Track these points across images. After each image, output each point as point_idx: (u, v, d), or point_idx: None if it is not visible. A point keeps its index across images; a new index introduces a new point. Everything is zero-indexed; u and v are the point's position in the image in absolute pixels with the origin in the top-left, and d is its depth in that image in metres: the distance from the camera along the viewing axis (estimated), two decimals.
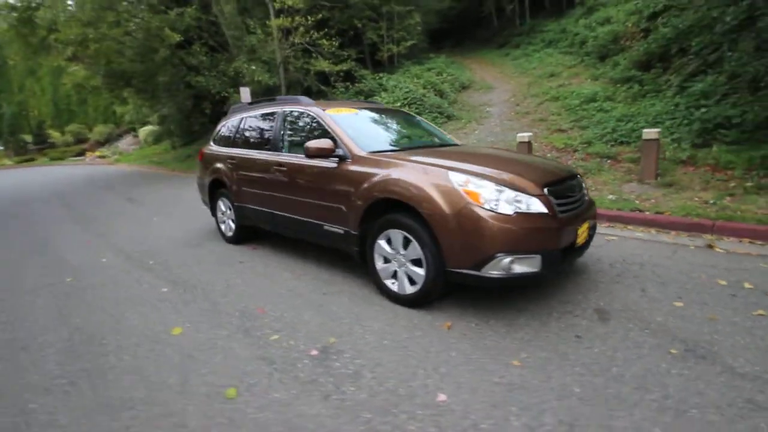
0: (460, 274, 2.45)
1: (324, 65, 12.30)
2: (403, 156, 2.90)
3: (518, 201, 2.39)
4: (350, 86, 12.87)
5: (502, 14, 19.62)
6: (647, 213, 4.39)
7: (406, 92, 11.54)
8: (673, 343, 2.20)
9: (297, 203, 3.51)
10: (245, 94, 10.84)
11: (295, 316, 2.75)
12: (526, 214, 2.38)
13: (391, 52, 15.37)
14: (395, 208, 2.74)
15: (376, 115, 3.82)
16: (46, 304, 3.21)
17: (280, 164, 3.63)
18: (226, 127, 4.70)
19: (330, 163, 3.16)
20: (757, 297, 2.66)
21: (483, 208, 2.35)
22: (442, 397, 1.88)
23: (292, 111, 3.76)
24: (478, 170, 2.55)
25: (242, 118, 4.42)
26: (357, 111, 3.70)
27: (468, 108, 11.54)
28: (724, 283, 2.89)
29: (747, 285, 2.83)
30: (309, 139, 3.51)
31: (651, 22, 9.68)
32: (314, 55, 12.51)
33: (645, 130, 5.51)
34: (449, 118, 10.89)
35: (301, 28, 11.58)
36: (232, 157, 4.32)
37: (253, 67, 11.19)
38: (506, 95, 11.98)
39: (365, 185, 2.87)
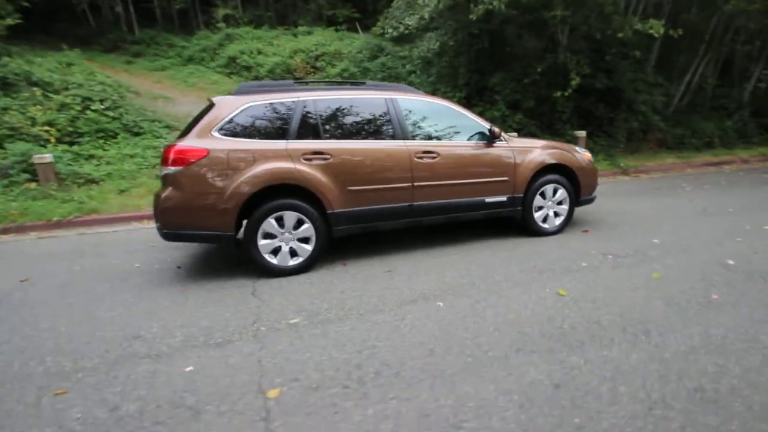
0: (585, 200, 4.35)
1: None
2: (520, 138, 4.22)
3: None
4: None
5: (98, 13, 16.68)
6: None
7: (89, 90, 8.65)
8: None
9: (452, 186, 3.70)
10: None
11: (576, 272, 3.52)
12: None
13: None
14: (545, 172, 4.08)
15: None
16: None
17: (430, 152, 3.55)
18: (265, 111, 3.19)
19: (485, 145, 3.82)
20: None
21: (592, 162, 4.37)
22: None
23: (405, 99, 3.66)
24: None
25: (305, 102, 3.28)
26: None
27: (177, 120, 10.21)
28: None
29: None
30: (440, 126, 3.81)
31: (317, 62, 12.85)
32: None
33: None
34: (171, 128, 9.39)
35: None
36: (320, 152, 3.20)
37: None
38: (201, 107, 11.50)
39: (528, 158, 3.97)
